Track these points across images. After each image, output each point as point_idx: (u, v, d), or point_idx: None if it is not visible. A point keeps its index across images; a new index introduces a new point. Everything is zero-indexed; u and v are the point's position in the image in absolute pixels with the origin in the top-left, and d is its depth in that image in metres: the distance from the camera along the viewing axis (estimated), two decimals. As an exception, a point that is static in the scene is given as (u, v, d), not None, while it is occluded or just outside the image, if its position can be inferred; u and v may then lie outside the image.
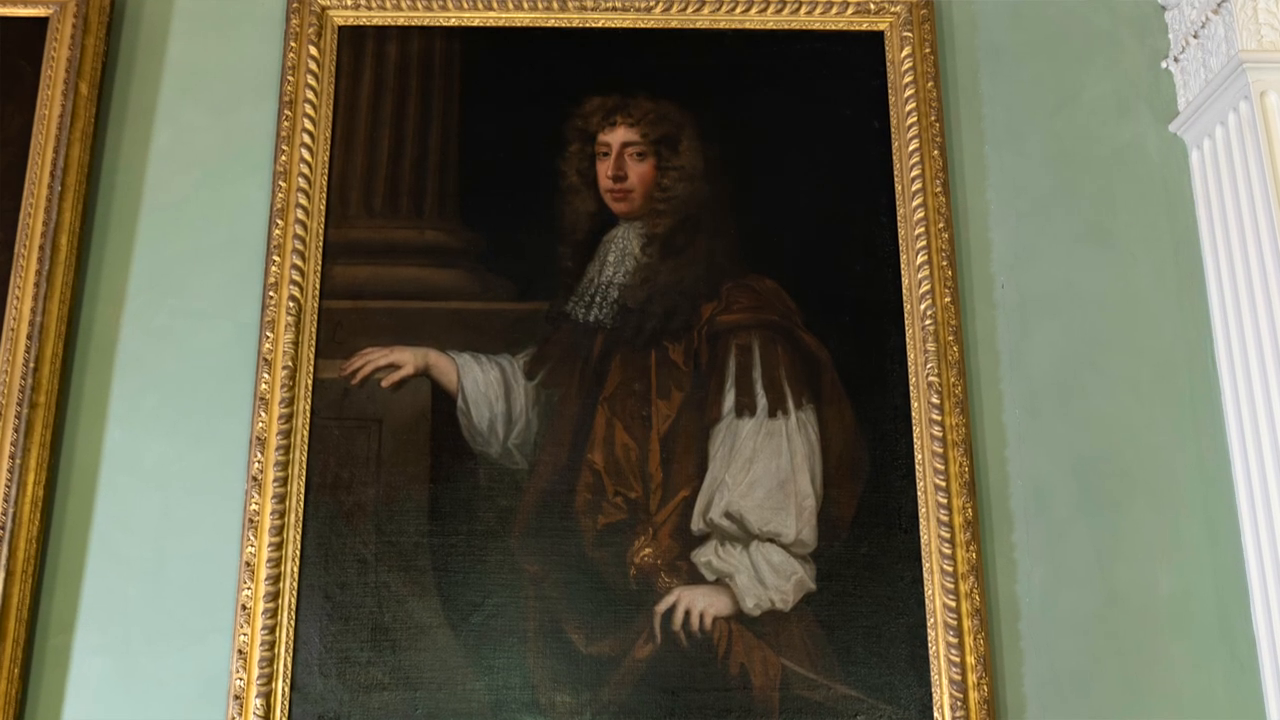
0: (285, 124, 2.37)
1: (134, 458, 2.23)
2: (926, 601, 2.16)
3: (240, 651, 2.09)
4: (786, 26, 2.49)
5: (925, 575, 2.18)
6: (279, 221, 2.32)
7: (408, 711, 2.09)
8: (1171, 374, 2.36)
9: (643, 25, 2.48)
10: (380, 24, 2.47)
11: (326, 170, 2.37)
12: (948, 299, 2.31)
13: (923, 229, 2.35)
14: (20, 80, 2.35)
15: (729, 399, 2.27)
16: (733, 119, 2.43)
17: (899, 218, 2.37)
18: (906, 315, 2.32)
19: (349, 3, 2.46)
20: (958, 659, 2.13)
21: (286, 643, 2.11)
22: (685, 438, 2.25)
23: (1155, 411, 2.33)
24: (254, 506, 2.16)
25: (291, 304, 2.27)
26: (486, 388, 2.26)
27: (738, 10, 2.49)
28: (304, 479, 2.19)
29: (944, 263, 2.33)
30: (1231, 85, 2.31)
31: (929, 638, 2.15)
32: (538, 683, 2.11)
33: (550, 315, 2.31)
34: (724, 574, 2.18)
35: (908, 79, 2.45)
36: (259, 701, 2.07)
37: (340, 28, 2.46)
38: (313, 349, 2.27)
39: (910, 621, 2.16)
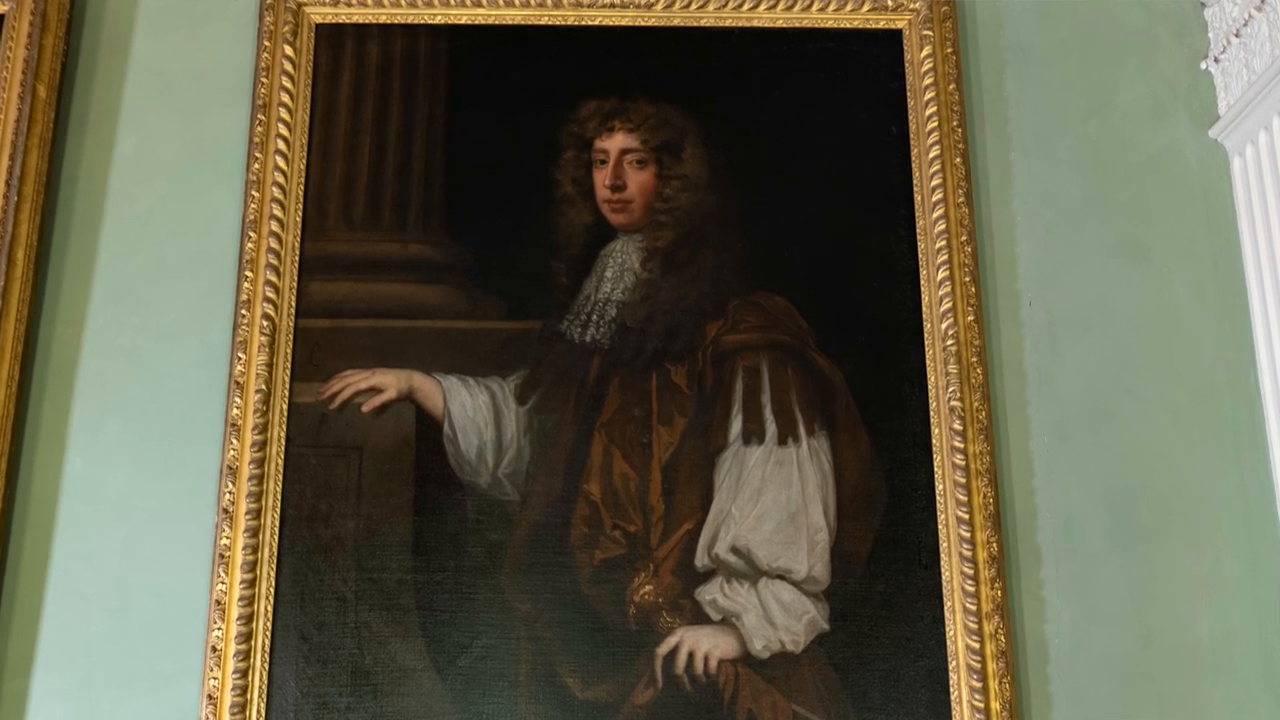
0: (259, 129, 2.35)
1: (96, 488, 2.21)
2: (948, 643, 2.13)
3: (210, 696, 2.06)
4: (797, 24, 2.47)
5: (947, 614, 2.15)
6: (252, 234, 2.30)
7: (389, 761, 2.09)
8: (1211, 398, 2.33)
9: (643, 23, 2.46)
10: (360, 21, 2.45)
11: (303, 179, 2.35)
12: (971, 317, 2.29)
13: (944, 242, 2.32)
14: (-26, 83, 2.35)
15: (735, 425, 2.23)
16: (739, 124, 2.41)
17: (918, 230, 2.35)
18: (926, 335, 2.29)
19: (327, -1, 2.48)
20: (981, 704, 2.09)
21: (260, 687, 2.08)
22: (688, 467, 2.21)
23: (1194, 438, 2.30)
24: (225, 540, 2.13)
25: (265, 323, 2.24)
26: (475, 413, 2.22)
27: (745, 7, 2.47)
28: (279, 511, 2.16)
29: (967, 278, 2.31)
30: (1276, 87, 2.27)
31: (951, 682, 2.12)
32: (530, 730, 2.13)
33: (544, 335, 2.28)
34: (730, 613, 2.14)
35: (928, 81, 2.42)
36: (230, 749, 2.07)
37: (318, 26, 2.44)
38: (288, 371, 2.24)
39: (930, 664, 2.13)
